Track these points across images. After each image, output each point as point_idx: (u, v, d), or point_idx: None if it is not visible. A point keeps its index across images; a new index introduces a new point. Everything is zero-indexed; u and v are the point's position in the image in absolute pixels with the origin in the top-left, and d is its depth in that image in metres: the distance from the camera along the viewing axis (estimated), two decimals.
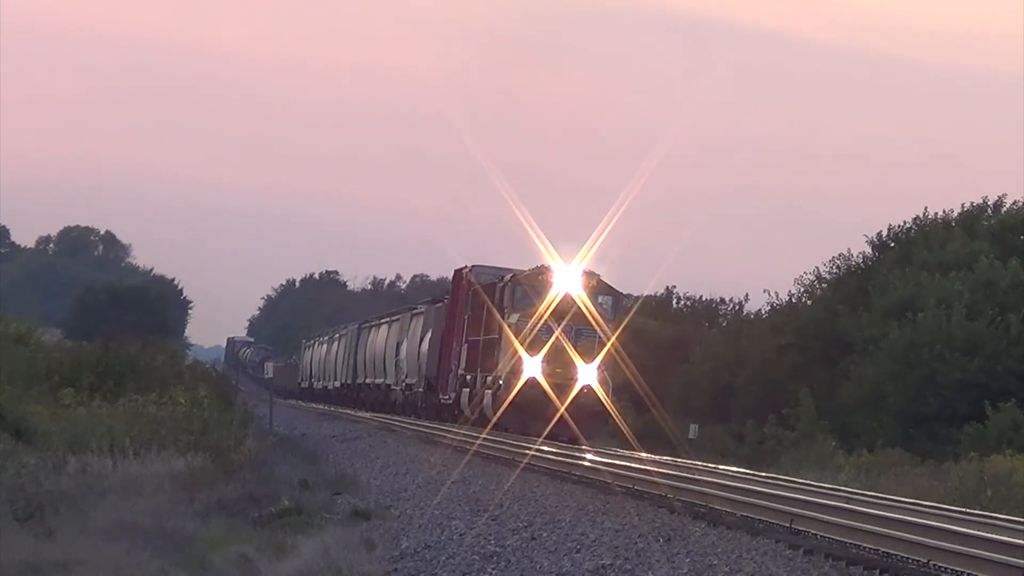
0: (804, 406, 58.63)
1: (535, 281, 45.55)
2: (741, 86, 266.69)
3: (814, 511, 21.24)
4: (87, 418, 34.37)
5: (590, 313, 44.27)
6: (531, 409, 44.17)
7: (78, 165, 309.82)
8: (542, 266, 45.71)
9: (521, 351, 44.35)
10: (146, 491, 25.98)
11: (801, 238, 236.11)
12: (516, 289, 45.92)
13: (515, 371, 44.52)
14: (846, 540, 19.09)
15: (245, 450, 33.95)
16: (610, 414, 44.52)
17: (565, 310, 44.31)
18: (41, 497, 23.94)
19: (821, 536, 19.68)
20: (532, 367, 44.28)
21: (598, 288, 45.22)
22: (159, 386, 40.28)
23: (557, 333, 44.16)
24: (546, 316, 44.36)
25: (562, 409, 43.46)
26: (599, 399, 44.13)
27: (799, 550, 18.67)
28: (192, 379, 46.50)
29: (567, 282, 44.75)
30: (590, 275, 45.23)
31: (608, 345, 44.25)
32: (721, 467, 36.57)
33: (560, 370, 44.27)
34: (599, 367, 44.30)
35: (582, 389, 44.03)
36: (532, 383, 44.19)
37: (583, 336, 44.27)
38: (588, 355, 44.20)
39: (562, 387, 43.99)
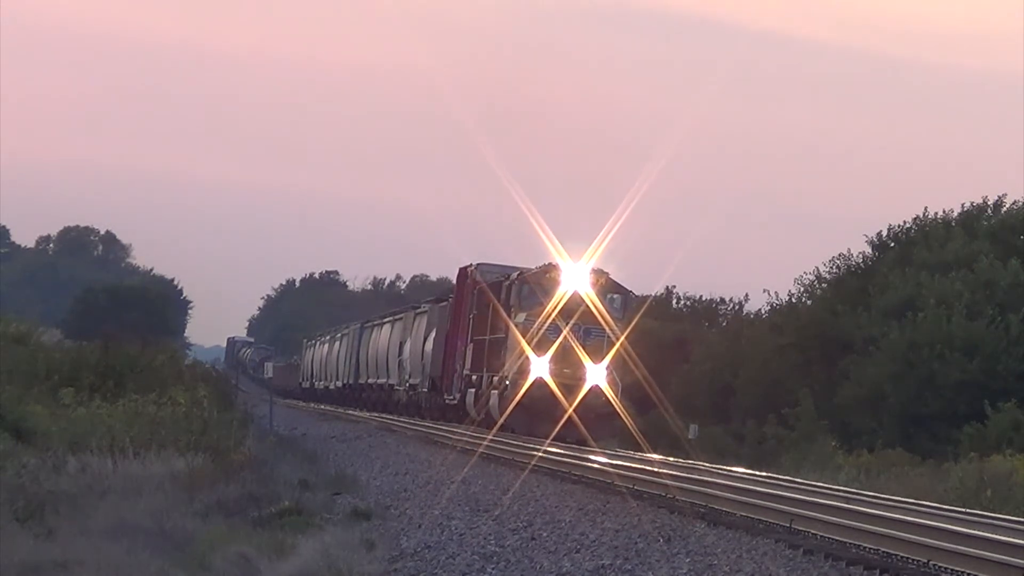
0: (804, 406, 58.56)
1: (542, 279, 44.91)
2: (743, 86, 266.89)
3: (814, 511, 21.23)
4: (87, 418, 34.36)
5: (599, 312, 43.71)
6: (538, 410, 43.68)
7: (78, 165, 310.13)
8: (550, 264, 45.05)
9: (528, 351, 43.87)
10: (146, 491, 25.97)
11: (801, 238, 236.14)
12: (523, 288, 45.26)
13: (522, 371, 44.05)
14: (846, 540, 19.08)
15: (245, 450, 33.94)
16: (619, 415, 44.12)
17: (573, 309, 43.72)
18: (41, 497, 23.95)
19: (821, 536, 19.68)
20: (539, 367, 43.78)
21: (607, 286, 44.54)
22: (159, 386, 40.27)
23: (565, 332, 43.58)
24: (554, 315, 43.74)
25: (570, 410, 43.05)
26: (608, 400, 43.55)
27: (799, 550, 18.67)
28: (192, 379, 46.48)
29: (575, 280, 44.15)
30: (599, 273, 44.58)
31: (617, 345, 43.74)
32: (721, 467, 36.47)
33: (568, 370, 43.75)
34: (608, 367, 43.74)
35: (591, 390, 43.62)
36: (539, 383, 43.69)
37: (592, 335, 43.73)
38: (597, 355, 43.67)
39: (570, 387, 43.50)
